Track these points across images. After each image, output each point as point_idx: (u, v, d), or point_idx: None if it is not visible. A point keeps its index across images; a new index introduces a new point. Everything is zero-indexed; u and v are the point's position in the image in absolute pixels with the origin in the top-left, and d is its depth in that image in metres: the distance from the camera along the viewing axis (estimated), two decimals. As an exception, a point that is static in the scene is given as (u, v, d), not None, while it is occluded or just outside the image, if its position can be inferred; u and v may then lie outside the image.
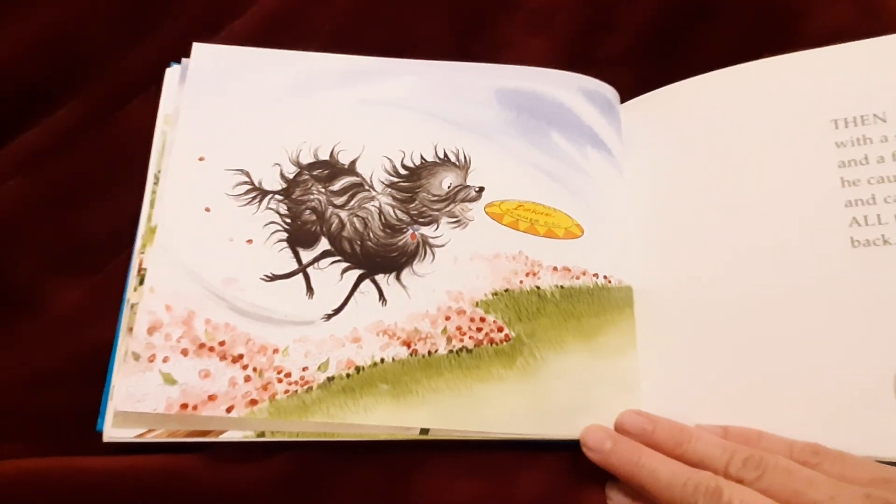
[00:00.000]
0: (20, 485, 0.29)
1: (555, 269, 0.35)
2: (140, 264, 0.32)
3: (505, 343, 0.33)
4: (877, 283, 0.29)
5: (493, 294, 0.34)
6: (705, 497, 0.25)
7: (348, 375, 0.31)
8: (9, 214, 0.35)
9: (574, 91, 0.38)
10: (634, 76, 0.39)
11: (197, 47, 0.37)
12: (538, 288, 0.34)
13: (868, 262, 0.29)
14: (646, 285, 0.35)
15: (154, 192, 0.34)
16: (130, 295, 0.32)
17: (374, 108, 0.37)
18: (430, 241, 0.34)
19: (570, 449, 0.31)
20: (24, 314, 0.34)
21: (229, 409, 0.30)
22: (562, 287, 0.34)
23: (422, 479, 0.31)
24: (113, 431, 0.29)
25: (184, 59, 0.37)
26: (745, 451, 0.27)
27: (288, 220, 0.34)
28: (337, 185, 0.35)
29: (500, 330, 0.33)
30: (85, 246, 0.35)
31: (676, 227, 0.34)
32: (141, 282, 0.32)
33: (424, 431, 0.31)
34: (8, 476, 0.29)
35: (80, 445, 0.30)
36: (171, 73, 0.37)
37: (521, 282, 0.34)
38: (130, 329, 0.31)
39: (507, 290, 0.34)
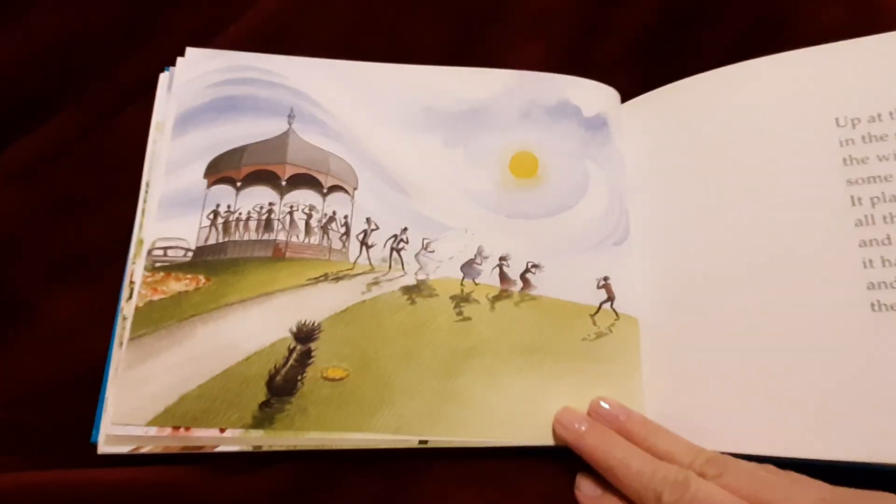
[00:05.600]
0: (16, 498, 0.29)
1: None
2: (131, 275, 0.32)
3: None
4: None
5: None
6: (672, 487, 0.26)
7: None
8: (3, 224, 0.35)
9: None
10: (632, 80, 0.38)
11: (180, 61, 0.36)
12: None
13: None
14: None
15: (146, 202, 0.34)
16: (123, 306, 0.32)
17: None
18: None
19: (571, 456, 0.30)
20: (19, 325, 0.33)
21: (223, 430, 0.29)
22: None
23: (423, 489, 0.31)
24: (106, 448, 0.29)
25: (170, 67, 0.37)
26: (709, 451, 0.28)
27: None
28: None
29: None
30: (81, 255, 0.35)
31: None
32: (131, 295, 0.32)
33: (423, 441, 0.30)
34: (4, 489, 0.29)
35: (76, 458, 0.30)
36: (164, 80, 0.37)
37: None
38: (122, 343, 0.30)
39: None
